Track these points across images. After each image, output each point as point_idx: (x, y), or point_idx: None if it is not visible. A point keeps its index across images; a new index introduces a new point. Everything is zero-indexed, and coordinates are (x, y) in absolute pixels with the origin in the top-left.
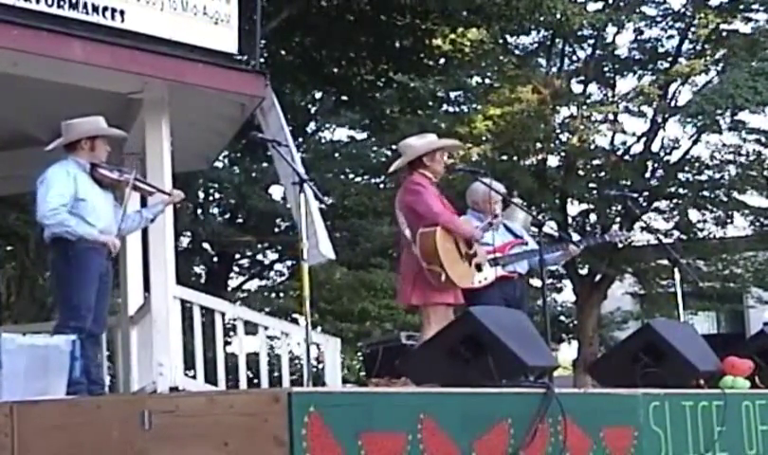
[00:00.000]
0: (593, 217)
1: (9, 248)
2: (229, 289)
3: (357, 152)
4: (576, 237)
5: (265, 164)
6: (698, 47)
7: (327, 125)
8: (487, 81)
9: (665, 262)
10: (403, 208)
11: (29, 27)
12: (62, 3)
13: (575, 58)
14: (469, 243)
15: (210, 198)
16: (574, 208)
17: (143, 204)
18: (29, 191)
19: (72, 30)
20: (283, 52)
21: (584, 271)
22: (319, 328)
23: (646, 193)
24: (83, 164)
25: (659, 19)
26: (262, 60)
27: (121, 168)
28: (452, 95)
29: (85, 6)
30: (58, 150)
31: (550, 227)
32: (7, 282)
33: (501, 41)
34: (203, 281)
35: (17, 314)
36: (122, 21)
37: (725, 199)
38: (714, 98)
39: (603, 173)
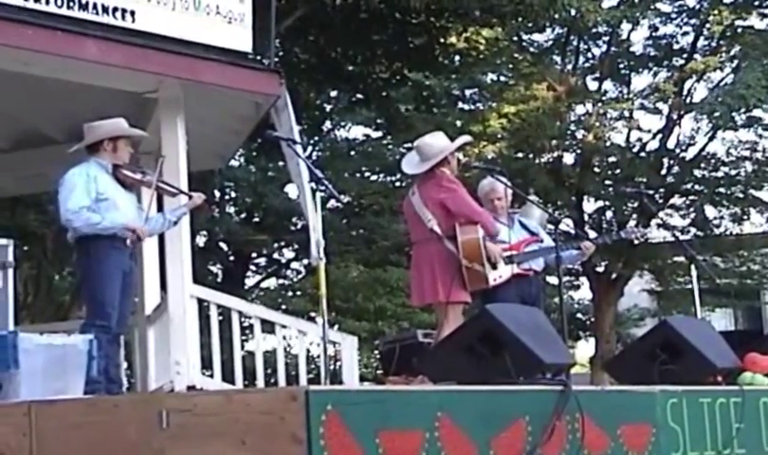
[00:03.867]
0: (609, 214)
1: (25, 248)
2: (246, 288)
3: (373, 150)
4: (592, 234)
5: (281, 163)
6: (713, 44)
7: (342, 123)
8: (502, 78)
9: (681, 259)
10: (434, 203)
11: (44, 26)
12: (71, 4)
13: (590, 55)
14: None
15: (227, 197)
16: (590, 205)
17: (159, 205)
18: (45, 190)
19: (86, 30)
20: (297, 51)
21: (601, 269)
22: (336, 326)
23: (662, 190)
24: (106, 165)
25: (674, 15)
26: (276, 58)
27: (144, 169)
28: (467, 93)
29: (95, 6)
30: (80, 152)
31: (566, 225)
32: (24, 281)
33: (515, 38)
34: (219, 280)
35: (34, 313)
36: (133, 21)
37: (742, 196)
38: (726, 99)
39: (619, 171)
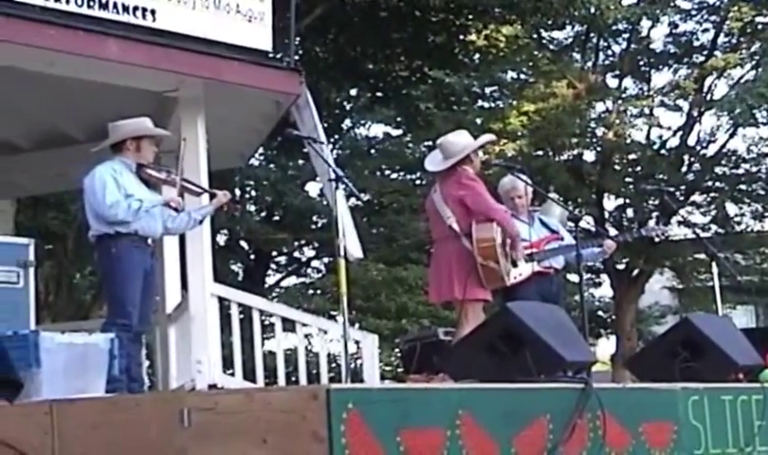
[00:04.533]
0: (629, 212)
1: (47, 247)
2: (267, 286)
3: (393, 148)
4: (612, 232)
5: (301, 161)
6: (733, 41)
7: (362, 122)
8: (522, 76)
9: (702, 256)
10: (454, 201)
11: (66, 26)
12: (92, 3)
13: (610, 52)
14: (513, 241)
15: (247, 196)
16: (610, 202)
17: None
18: (66, 190)
19: (107, 29)
20: (317, 49)
21: (622, 266)
22: (356, 325)
23: (682, 187)
24: (129, 164)
25: (694, 12)
26: (296, 57)
27: (169, 168)
28: (487, 90)
29: (116, 5)
30: (104, 151)
31: (587, 223)
32: (45, 280)
33: (535, 36)
34: (240, 278)
35: (55, 313)
36: (154, 20)
37: (763, 192)
38: (747, 96)
39: (639, 168)
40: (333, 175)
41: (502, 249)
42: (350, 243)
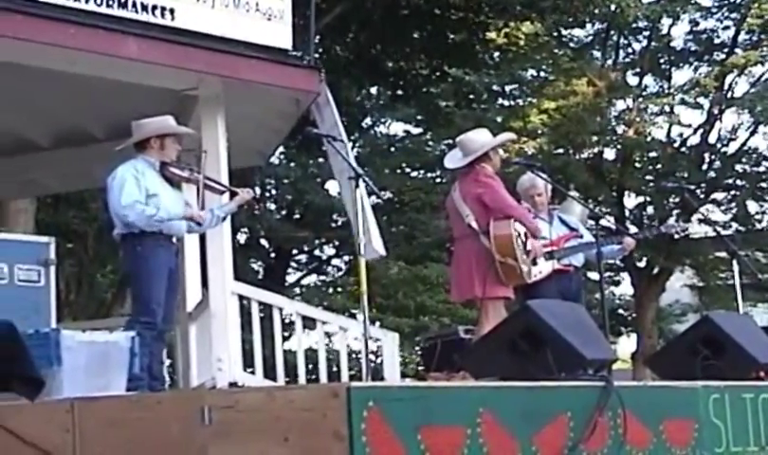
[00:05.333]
0: (650, 210)
1: (68, 246)
2: (287, 285)
3: (413, 146)
4: (633, 230)
5: (321, 159)
6: (754, 38)
7: (382, 120)
8: (542, 74)
9: (723, 254)
10: (472, 198)
11: (86, 25)
12: (111, 2)
13: (630, 50)
14: (532, 237)
15: (267, 194)
16: (630, 200)
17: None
18: (87, 188)
19: (127, 28)
20: (337, 47)
21: (642, 264)
22: (377, 323)
23: (703, 185)
24: (153, 162)
25: (714, 10)
26: (316, 55)
27: (192, 167)
28: (507, 88)
29: (135, 4)
30: (128, 149)
31: (607, 221)
32: (66, 279)
33: (555, 34)
34: (260, 276)
35: (76, 311)
36: (173, 19)
37: None
38: (766, 94)
39: (660, 166)
40: (353, 173)
41: (520, 246)
42: (374, 240)
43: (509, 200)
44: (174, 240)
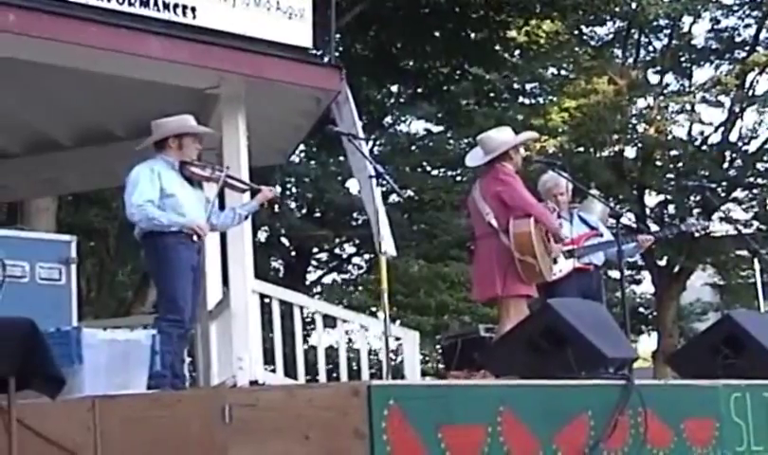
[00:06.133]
0: (671, 208)
1: (90, 244)
2: (308, 283)
3: (434, 145)
4: (653, 228)
5: (341, 158)
6: None
7: (403, 118)
8: (563, 72)
9: (744, 252)
10: (491, 196)
11: (108, 24)
12: (133, 1)
13: (651, 48)
14: (555, 237)
15: (288, 192)
16: (651, 199)
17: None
18: (108, 186)
19: (149, 27)
20: (357, 46)
21: (663, 262)
22: (397, 321)
23: (724, 184)
24: (172, 162)
25: (736, 8)
26: (336, 54)
27: (214, 165)
28: (528, 87)
29: (157, 3)
30: (149, 149)
31: (628, 219)
32: (87, 277)
33: (576, 32)
34: (281, 275)
35: (97, 309)
36: (194, 17)
37: None
38: None
39: (681, 164)
40: (373, 172)
41: (540, 244)
42: (386, 240)
43: (529, 198)
44: (195, 238)
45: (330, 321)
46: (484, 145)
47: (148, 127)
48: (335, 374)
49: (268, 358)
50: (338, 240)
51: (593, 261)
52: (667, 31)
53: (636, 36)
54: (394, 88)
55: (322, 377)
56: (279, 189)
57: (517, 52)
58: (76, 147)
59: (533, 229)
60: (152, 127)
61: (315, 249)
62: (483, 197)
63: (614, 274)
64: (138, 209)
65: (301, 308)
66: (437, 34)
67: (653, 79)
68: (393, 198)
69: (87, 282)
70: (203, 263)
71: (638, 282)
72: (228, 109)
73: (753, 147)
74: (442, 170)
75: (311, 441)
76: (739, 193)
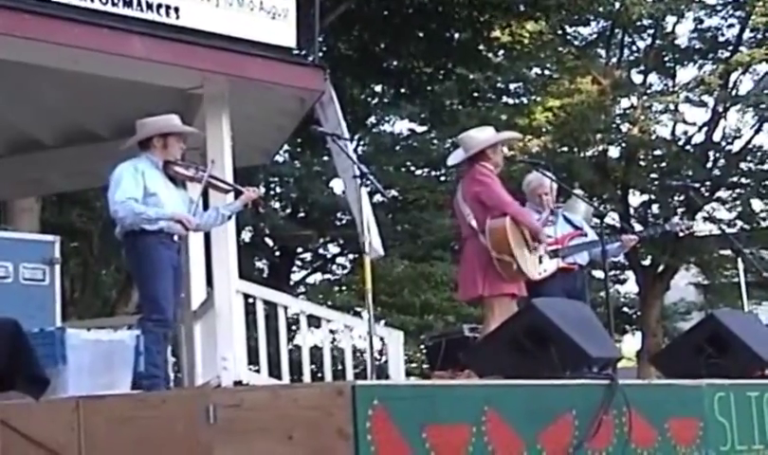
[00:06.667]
0: (654, 208)
1: (72, 245)
2: (292, 283)
3: (418, 145)
4: (637, 228)
5: (325, 158)
6: (758, 36)
7: (387, 118)
8: (547, 72)
9: (728, 252)
10: (470, 197)
11: (91, 24)
12: (116, 1)
13: (634, 48)
14: (534, 235)
15: (272, 193)
16: (635, 198)
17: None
18: (91, 187)
19: (132, 27)
20: (341, 46)
21: (647, 262)
22: (382, 321)
23: (708, 183)
24: (156, 161)
25: (719, 8)
26: (320, 54)
27: (198, 165)
28: (512, 87)
29: (140, 3)
30: (133, 148)
31: (612, 219)
32: (71, 278)
33: (560, 32)
34: (265, 275)
35: (81, 309)
36: (177, 17)
37: None
38: None
39: (664, 164)
40: (358, 172)
41: (518, 241)
42: (374, 240)
43: (505, 197)
44: (176, 238)
45: (314, 321)
46: (463, 144)
47: (131, 127)
48: (319, 374)
49: (253, 358)
50: (322, 240)
51: (577, 260)
52: (651, 31)
53: (620, 36)
54: (378, 88)
55: (307, 377)
56: (263, 189)
57: (501, 52)
58: (59, 147)
59: (508, 227)
60: (136, 126)
61: (299, 249)
62: (463, 198)
63: (599, 274)
64: (122, 205)
65: (286, 308)
66: (421, 34)
67: (637, 78)
68: (378, 198)
69: (71, 282)
70: (184, 263)
71: (622, 282)
72: (211, 109)
73: (736, 147)
74: (426, 170)
75: (295, 441)
76: (722, 193)
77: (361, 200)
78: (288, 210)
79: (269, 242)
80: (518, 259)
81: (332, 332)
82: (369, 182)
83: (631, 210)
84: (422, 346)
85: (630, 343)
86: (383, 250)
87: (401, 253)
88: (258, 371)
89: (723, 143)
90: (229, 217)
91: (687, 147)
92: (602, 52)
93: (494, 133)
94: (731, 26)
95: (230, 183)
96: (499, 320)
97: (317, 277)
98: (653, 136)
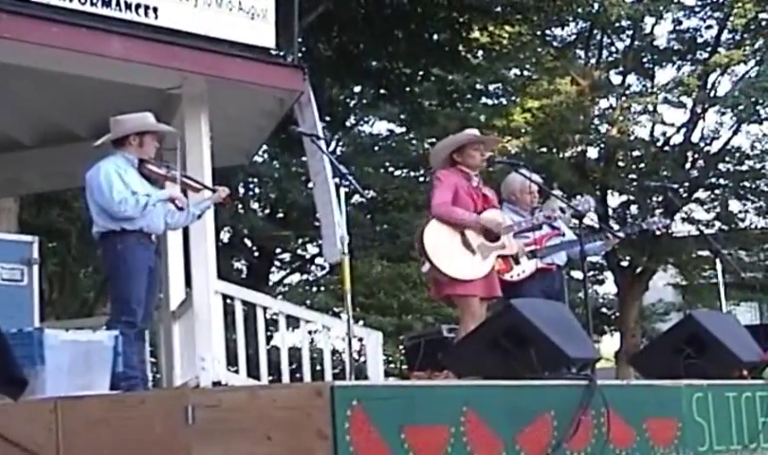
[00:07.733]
0: (633, 209)
1: (50, 245)
2: (270, 284)
3: (397, 145)
4: (616, 228)
5: (304, 158)
6: (737, 37)
7: (366, 119)
8: (526, 73)
9: (706, 253)
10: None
11: (69, 24)
12: (95, 1)
13: (613, 49)
14: (489, 234)
15: (251, 193)
16: (614, 199)
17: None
18: (70, 187)
19: (111, 27)
20: (320, 46)
21: (625, 263)
22: (360, 322)
23: (686, 184)
24: (132, 159)
25: (697, 9)
26: (299, 54)
27: (169, 164)
28: (491, 88)
29: (119, 3)
30: (106, 145)
31: (590, 219)
32: (49, 278)
33: (539, 33)
34: (244, 275)
35: (59, 310)
36: (156, 17)
37: (766, 189)
38: (750, 92)
39: (643, 165)
40: (334, 173)
41: (445, 245)
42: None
43: (435, 199)
44: (154, 238)
45: (293, 322)
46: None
47: (110, 127)
48: (298, 375)
49: (231, 359)
50: (300, 240)
51: (555, 261)
52: (630, 32)
53: (599, 37)
54: (357, 89)
55: (286, 378)
56: (242, 189)
57: (479, 53)
58: (38, 147)
59: (427, 231)
60: (111, 123)
61: (278, 250)
62: None
63: (577, 274)
64: (126, 204)
65: (264, 309)
66: (400, 35)
67: (616, 79)
68: (356, 199)
69: (49, 282)
70: (162, 263)
71: (601, 283)
72: (190, 109)
73: (715, 148)
74: (405, 170)
75: (274, 441)
76: (701, 194)
77: (332, 202)
78: (267, 211)
79: (248, 242)
80: (436, 262)
81: (310, 332)
82: (347, 183)
83: (610, 211)
84: (401, 347)
85: (609, 344)
86: (347, 251)
87: (380, 253)
88: (237, 371)
89: (702, 144)
90: (199, 216)
91: (666, 148)
92: (581, 53)
93: (476, 134)
94: (710, 27)
95: (202, 182)
96: (467, 320)
97: (295, 277)
98: (632, 137)
